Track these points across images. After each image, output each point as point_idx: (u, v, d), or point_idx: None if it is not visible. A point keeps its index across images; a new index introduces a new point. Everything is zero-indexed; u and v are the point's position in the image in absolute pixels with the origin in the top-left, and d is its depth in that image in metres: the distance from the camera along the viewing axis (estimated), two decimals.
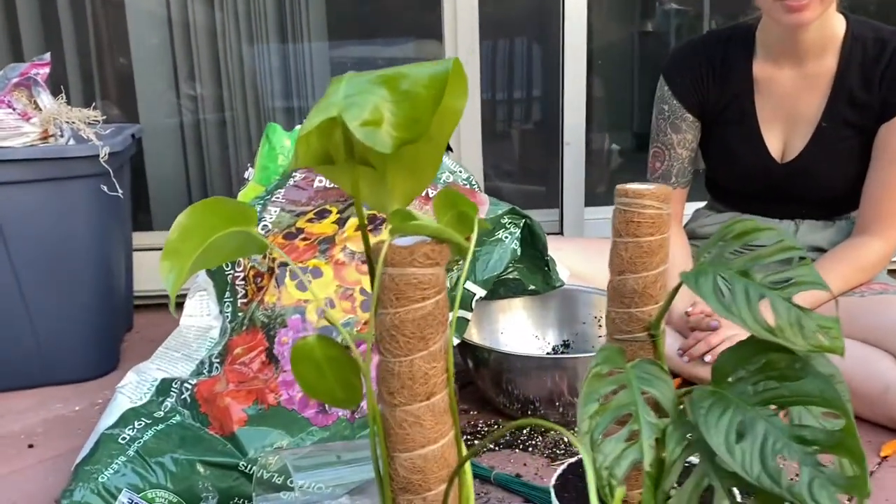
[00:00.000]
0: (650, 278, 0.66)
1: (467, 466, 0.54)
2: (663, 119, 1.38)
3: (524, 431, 1.16)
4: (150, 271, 1.69)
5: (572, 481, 0.74)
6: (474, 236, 0.54)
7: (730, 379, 0.56)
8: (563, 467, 0.75)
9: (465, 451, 0.55)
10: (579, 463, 0.75)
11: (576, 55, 1.77)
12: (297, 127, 1.42)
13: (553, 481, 0.73)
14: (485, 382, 1.22)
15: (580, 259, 1.40)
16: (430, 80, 0.48)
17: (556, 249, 1.40)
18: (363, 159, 0.52)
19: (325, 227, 1.11)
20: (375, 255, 0.50)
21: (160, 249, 0.53)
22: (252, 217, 0.54)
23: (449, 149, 1.68)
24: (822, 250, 1.33)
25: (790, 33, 1.22)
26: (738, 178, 1.38)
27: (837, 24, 1.24)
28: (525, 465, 1.08)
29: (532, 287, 1.26)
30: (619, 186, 0.67)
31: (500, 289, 1.24)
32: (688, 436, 0.55)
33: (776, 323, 0.53)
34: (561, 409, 1.16)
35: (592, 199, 1.90)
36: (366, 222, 0.52)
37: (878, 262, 1.26)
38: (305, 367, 0.53)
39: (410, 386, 0.50)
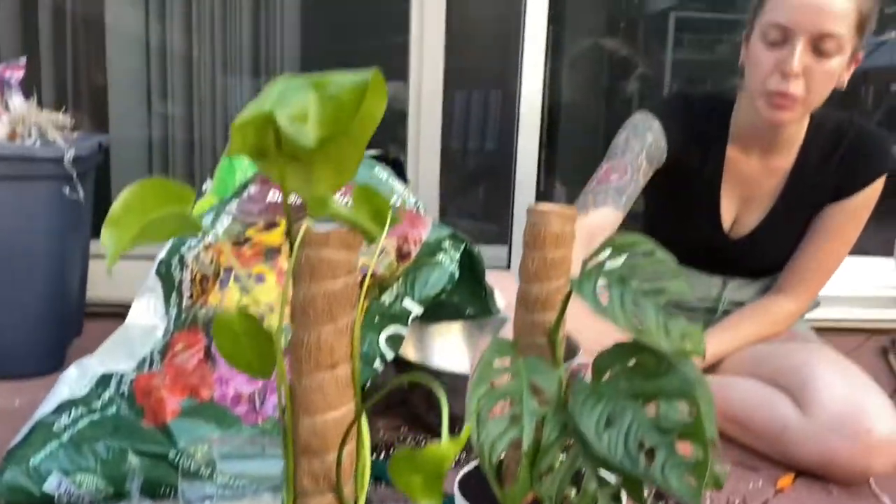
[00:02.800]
0: (552, 288, 0.73)
1: (364, 431, 0.60)
2: (639, 144, 1.30)
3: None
4: (105, 280, 1.73)
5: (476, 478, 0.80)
6: (387, 228, 0.60)
7: (607, 374, 0.63)
8: (468, 467, 0.81)
9: (367, 433, 0.61)
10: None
11: (531, 104, 1.87)
12: None
13: (458, 477, 0.79)
14: (417, 400, 1.27)
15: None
16: (353, 86, 0.55)
17: (495, 281, 1.48)
18: (292, 153, 0.58)
19: (273, 237, 1.17)
20: (295, 236, 0.57)
21: None
22: (189, 199, 0.60)
23: (405, 179, 1.76)
24: (743, 303, 1.42)
25: (767, 127, 1.25)
26: (684, 238, 1.41)
27: (806, 117, 1.28)
28: None
29: (470, 311, 1.33)
30: (529, 205, 0.75)
31: (438, 311, 1.30)
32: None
33: (645, 325, 0.60)
34: None
35: None
36: (290, 212, 0.59)
37: (789, 319, 1.36)
38: (225, 338, 0.59)
39: (316, 356, 0.56)
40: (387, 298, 1.19)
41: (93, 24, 1.99)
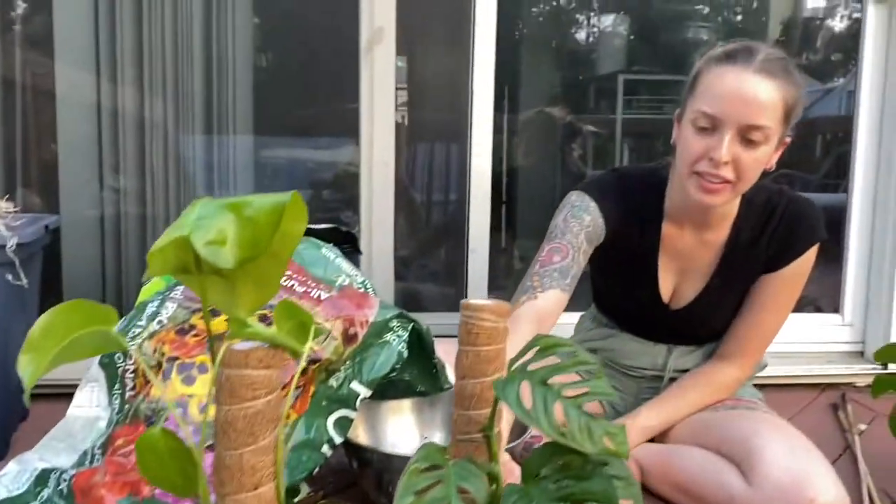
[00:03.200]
0: (486, 384, 0.74)
1: None
2: (578, 225, 1.31)
3: None
4: None
5: None
6: (310, 342, 0.61)
7: (536, 476, 0.64)
8: None
9: None
10: None
11: (481, 172, 1.90)
12: None
13: None
14: (367, 483, 1.25)
15: None
16: (271, 208, 0.56)
17: (448, 353, 1.48)
18: (215, 270, 0.59)
19: (217, 324, 1.16)
20: (216, 355, 0.57)
21: None
22: (112, 318, 0.60)
23: (358, 251, 1.77)
24: (688, 370, 1.44)
25: (698, 207, 1.27)
26: (626, 308, 1.45)
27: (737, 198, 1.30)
28: None
29: (421, 389, 1.33)
30: (462, 301, 0.76)
31: (389, 390, 1.30)
32: None
33: (568, 428, 0.61)
34: None
35: None
36: (211, 328, 0.59)
37: (732, 386, 1.38)
38: (150, 458, 0.59)
39: (239, 478, 0.56)
40: (334, 382, 1.19)
41: (43, 94, 1.99)
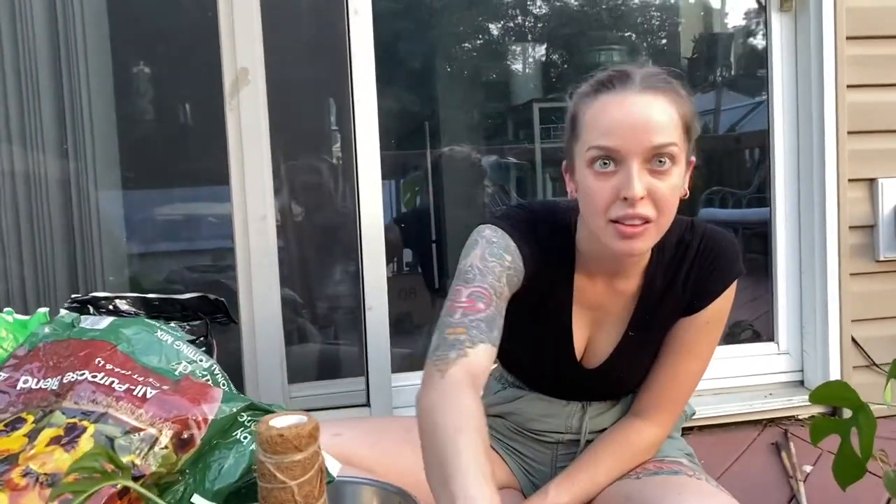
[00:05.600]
0: None
1: None
2: (499, 266, 1.12)
3: None
4: None
5: None
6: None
7: None
8: None
9: None
10: None
11: (372, 225, 1.72)
12: (41, 310, 1.27)
13: None
14: None
15: (360, 444, 1.27)
16: None
17: (335, 435, 1.27)
18: None
19: (13, 441, 0.93)
20: None
21: None
22: None
23: (233, 321, 1.56)
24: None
25: (616, 258, 1.12)
26: (535, 367, 1.28)
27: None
28: None
29: None
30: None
31: (248, 496, 1.08)
32: None
33: None
34: None
35: (401, 365, 1.80)
36: None
37: (650, 448, 1.21)
38: None
39: None
40: (171, 499, 0.97)
41: None
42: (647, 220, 1.02)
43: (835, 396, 1.24)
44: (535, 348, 1.25)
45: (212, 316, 1.52)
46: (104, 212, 1.84)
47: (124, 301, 1.45)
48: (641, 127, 1.00)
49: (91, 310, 1.41)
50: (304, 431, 0.55)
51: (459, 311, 1.06)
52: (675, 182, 1.03)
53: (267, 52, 1.65)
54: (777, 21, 1.96)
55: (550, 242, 1.17)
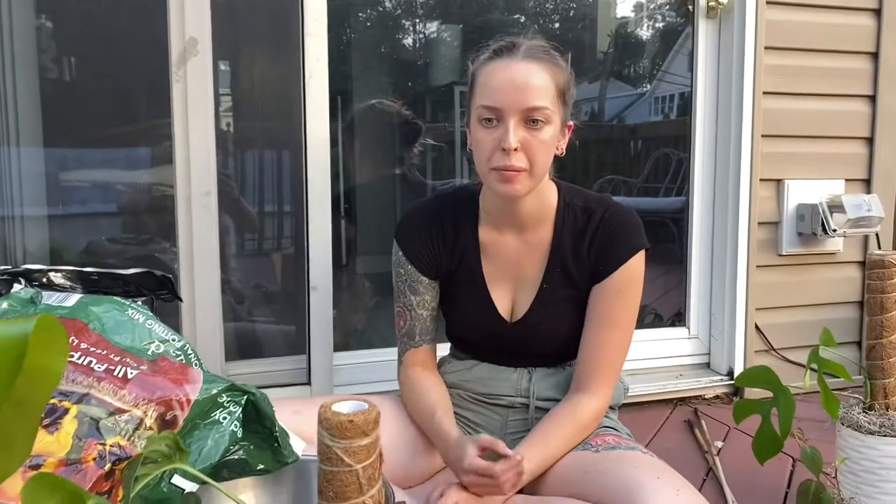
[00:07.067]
0: None
1: None
2: (402, 282, 1.40)
3: None
4: None
5: None
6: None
7: None
8: None
9: None
10: None
11: (320, 200, 1.71)
12: None
13: None
14: None
15: None
16: (7, 343, 0.36)
17: (296, 412, 1.29)
18: None
19: None
20: None
21: None
22: None
23: (178, 298, 1.52)
24: (556, 400, 1.35)
25: (507, 203, 1.30)
26: (473, 334, 1.41)
27: (551, 194, 1.34)
28: None
29: (261, 466, 1.12)
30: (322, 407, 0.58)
31: (222, 471, 1.09)
32: None
33: None
34: None
35: (343, 344, 1.82)
36: None
37: (594, 418, 1.30)
38: None
39: None
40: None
41: None
42: (520, 170, 1.22)
43: (759, 379, 1.36)
44: (465, 312, 1.40)
45: (156, 293, 1.48)
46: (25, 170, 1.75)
47: (59, 274, 1.38)
48: (519, 90, 1.20)
49: (23, 283, 1.34)
50: (371, 417, 0.57)
51: (396, 327, 1.42)
52: (547, 139, 1.23)
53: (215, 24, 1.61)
54: (703, 26, 2.09)
55: (453, 207, 1.39)
